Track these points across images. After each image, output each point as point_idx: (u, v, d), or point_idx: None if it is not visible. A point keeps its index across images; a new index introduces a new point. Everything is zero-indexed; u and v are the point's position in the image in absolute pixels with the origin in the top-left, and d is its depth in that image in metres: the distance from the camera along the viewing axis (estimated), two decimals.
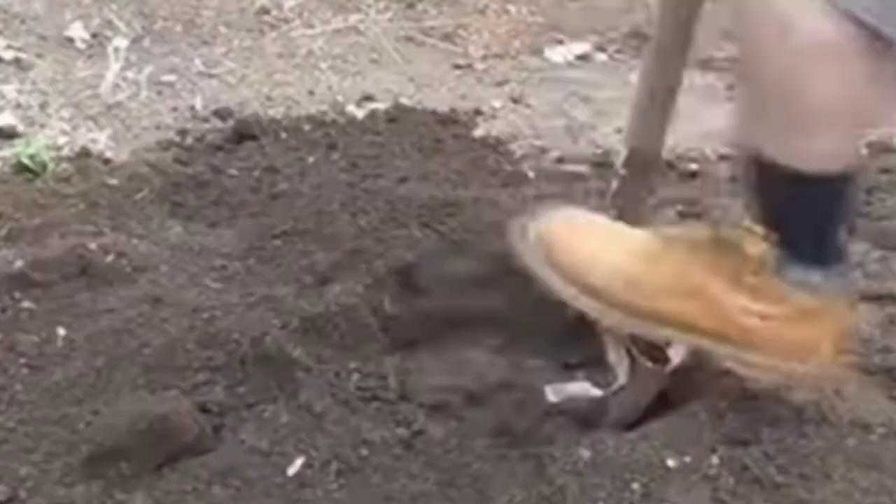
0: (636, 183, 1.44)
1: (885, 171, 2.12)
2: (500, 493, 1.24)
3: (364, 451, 1.28)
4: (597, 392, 1.38)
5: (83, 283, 1.53)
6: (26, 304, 1.49)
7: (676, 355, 1.36)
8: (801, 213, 1.21)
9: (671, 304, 1.25)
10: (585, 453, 1.29)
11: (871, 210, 1.94)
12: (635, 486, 1.26)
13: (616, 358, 1.39)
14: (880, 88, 1.11)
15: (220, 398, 1.35)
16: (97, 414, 1.31)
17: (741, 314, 1.23)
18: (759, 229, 1.22)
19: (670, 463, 1.29)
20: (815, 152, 1.15)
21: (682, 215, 1.88)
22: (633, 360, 1.37)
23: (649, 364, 1.37)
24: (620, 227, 1.38)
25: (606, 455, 1.29)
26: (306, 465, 1.26)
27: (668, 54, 1.37)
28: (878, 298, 1.65)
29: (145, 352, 1.39)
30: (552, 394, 1.36)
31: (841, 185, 1.21)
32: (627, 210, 1.44)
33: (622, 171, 1.43)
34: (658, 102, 1.39)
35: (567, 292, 1.30)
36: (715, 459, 1.31)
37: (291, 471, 1.26)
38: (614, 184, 1.45)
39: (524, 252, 1.34)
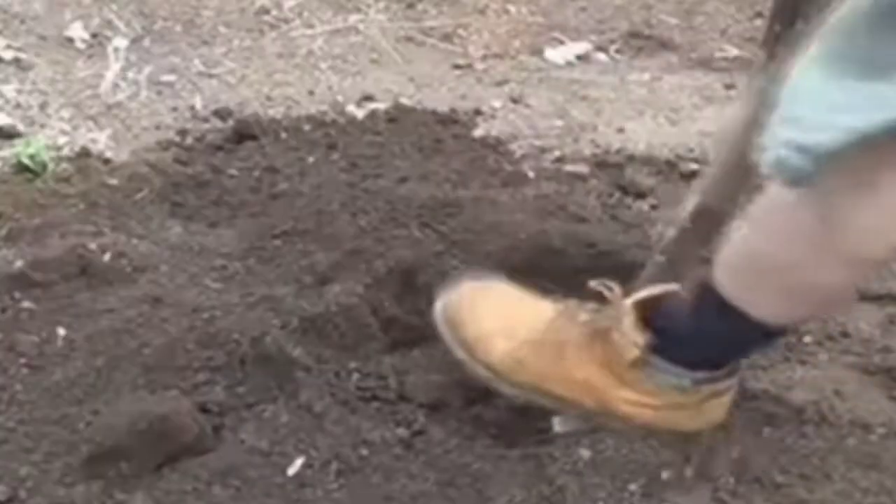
0: (696, 240, 1.37)
1: None
2: (500, 493, 1.24)
3: (364, 451, 1.28)
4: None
5: (83, 283, 1.53)
6: (26, 304, 1.49)
7: None
8: (716, 340, 1.27)
9: (558, 386, 1.34)
10: (585, 453, 1.29)
11: None
12: (635, 486, 1.26)
13: None
14: None
15: (220, 398, 1.35)
16: (97, 414, 1.31)
17: (620, 402, 1.32)
18: (637, 336, 1.28)
19: (670, 463, 1.29)
20: (781, 315, 1.21)
21: None
22: None
23: None
24: (523, 304, 1.41)
25: (606, 455, 1.29)
26: (306, 465, 1.26)
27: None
28: (878, 298, 1.65)
29: (145, 352, 1.39)
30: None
31: (775, 332, 1.26)
32: (677, 262, 1.38)
33: (687, 224, 1.37)
34: (745, 167, 1.30)
35: (469, 364, 1.38)
36: (715, 459, 1.31)
37: (291, 471, 1.26)
38: (671, 232, 1.39)
39: (436, 321, 1.41)
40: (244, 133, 2.01)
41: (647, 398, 1.31)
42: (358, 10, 2.67)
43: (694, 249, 1.39)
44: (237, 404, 1.35)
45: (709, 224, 1.36)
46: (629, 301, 1.30)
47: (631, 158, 2.11)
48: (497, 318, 1.39)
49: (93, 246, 1.58)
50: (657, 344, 1.28)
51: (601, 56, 2.63)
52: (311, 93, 2.25)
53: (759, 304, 1.19)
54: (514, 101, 2.32)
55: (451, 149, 2.02)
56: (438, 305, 1.42)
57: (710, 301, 1.22)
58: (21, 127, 1.99)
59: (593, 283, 1.34)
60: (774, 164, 1.05)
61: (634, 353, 1.28)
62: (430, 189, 1.81)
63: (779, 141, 1.04)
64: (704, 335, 1.26)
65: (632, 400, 1.31)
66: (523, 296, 1.43)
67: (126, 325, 1.43)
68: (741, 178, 1.33)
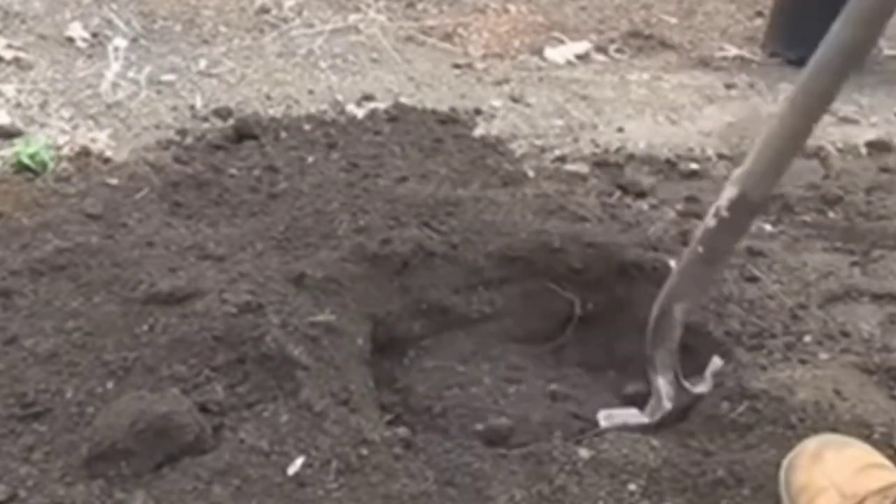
0: (735, 228, 1.36)
1: (885, 170, 2.13)
2: (500, 493, 1.24)
3: (364, 451, 1.28)
4: (643, 419, 1.42)
5: (82, 282, 1.53)
6: (24, 303, 1.49)
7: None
8: None
9: None
10: (584, 453, 1.29)
11: (871, 210, 1.94)
12: (634, 486, 1.26)
13: (663, 385, 1.42)
14: None
15: (220, 398, 1.35)
16: (97, 414, 1.31)
17: None
18: None
19: (669, 463, 1.29)
20: None
21: (682, 215, 1.89)
22: (680, 387, 1.43)
23: (694, 389, 1.43)
24: (868, 471, 1.29)
25: (605, 455, 1.29)
26: (306, 465, 1.26)
27: (811, 109, 1.29)
28: (878, 298, 1.65)
29: (146, 351, 1.39)
30: (604, 419, 1.40)
31: None
32: (717, 252, 1.37)
33: (725, 214, 1.34)
34: (787, 153, 1.31)
35: None
36: (715, 459, 1.31)
37: (291, 470, 1.26)
38: (711, 222, 1.35)
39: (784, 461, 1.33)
40: (244, 132, 2.02)
41: None
42: (358, 9, 2.68)
43: (731, 238, 1.37)
44: (237, 404, 1.35)
45: (748, 212, 1.34)
46: None
47: (631, 158, 2.11)
48: (829, 477, 1.28)
49: (92, 245, 1.58)
50: None
51: (601, 56, 2.63)
52: (311, 92, 2.25)
53: None
54: (514, 100, 2.32)
55: (451, 148, 2.02)
56: (798, 447, 1.33)
57: None
58: (21, 126, 1.99)
59: None
60: None
61: None
62: (430, 189, 1.81)
63: None
64: None
65: None
66: (875, 462, 1.31)
67: (126, 325, 1.43)
68: (783, 163, 1.32)
